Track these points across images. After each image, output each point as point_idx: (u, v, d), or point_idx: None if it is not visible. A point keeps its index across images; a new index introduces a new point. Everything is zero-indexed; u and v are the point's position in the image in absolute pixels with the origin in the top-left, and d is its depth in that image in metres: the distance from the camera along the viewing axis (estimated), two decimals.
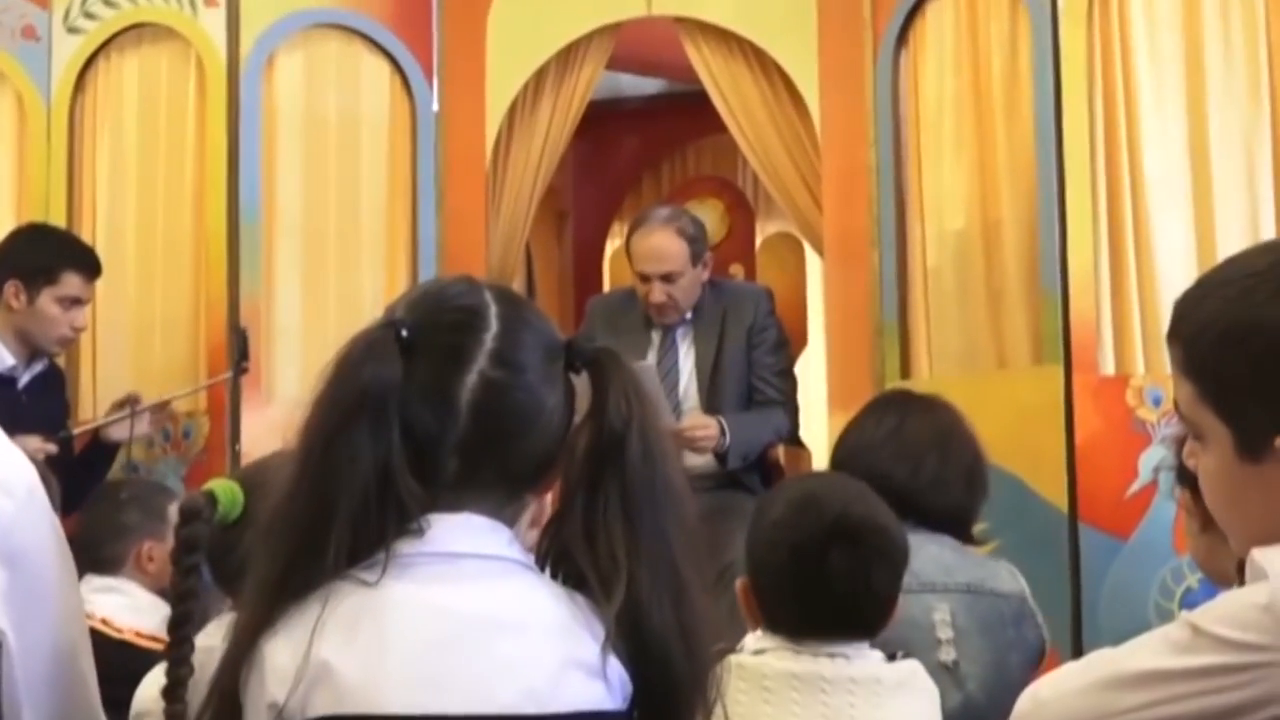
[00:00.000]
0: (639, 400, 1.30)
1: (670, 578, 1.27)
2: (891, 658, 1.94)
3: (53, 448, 3.67)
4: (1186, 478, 2.14)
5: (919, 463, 2.39)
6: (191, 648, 1.51)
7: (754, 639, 1.97)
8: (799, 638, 1.91)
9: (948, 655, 2.26)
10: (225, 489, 1.58)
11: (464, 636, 1.23)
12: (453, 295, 1.34)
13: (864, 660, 1.91)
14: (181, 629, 1.51)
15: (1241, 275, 1.26)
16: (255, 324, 4.15)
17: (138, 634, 2.82)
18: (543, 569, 1.31)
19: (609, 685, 1.25)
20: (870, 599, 1.92)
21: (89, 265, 3.86)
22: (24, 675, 1.35)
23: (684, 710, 1.28)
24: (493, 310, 1.32)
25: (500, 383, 1.29)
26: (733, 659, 1.90)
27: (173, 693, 1.52)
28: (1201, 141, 3.72)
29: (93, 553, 2.99)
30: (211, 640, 1.53)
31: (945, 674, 2.22)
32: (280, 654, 1.23)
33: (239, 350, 3.96)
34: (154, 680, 1.63)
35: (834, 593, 1.90)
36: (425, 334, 1.30)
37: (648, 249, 3.97)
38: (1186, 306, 1.29)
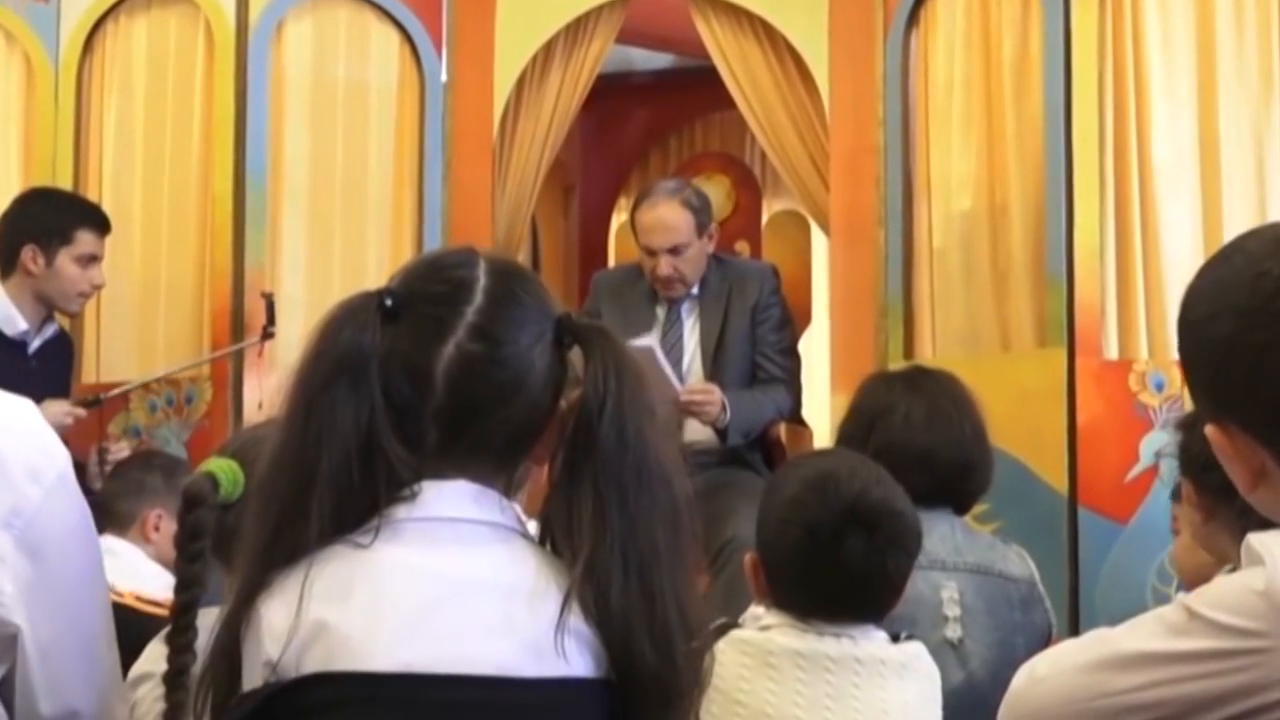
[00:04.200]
0: (618, 379, 1.31)
1: (639, 560, 1.27)
2: (895, 638, 1.92)
3: (81, 412, 3.68)
4: (1188, 467, 2.14)
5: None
6: (195, 634, 1.50)
7: (759, 612, 1.95)
8: (806, 617, 1.88)
9: (953, 633, 2.26)
10: (225, 469, 1.56)
11: (451, 598, 1.26)
12: (444, 266, 1.37)
13: (869, 641, 1.88)
14: (185, 615, 1.51)
15: (1211, 261, 1.24)
16: (259, 291, 4.15)
17: (138, 598, 2.82)
18: (542, 537, 1.34)
19: (577, 652, 1.25)
20: (883, 584, 1.90)
21: (100, 222, 3.87)
22: (41, 665, 1.35)
23: (653, 695, 1.28)
24: (480, 284, 1.33)
25: (476, 355, 1.30)
26: (737, 634, 1.89)
27: (175, 680, 1.50)
28: (1211, 128, 3.72)
29: (109, 504, 3.01)
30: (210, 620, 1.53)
31: (950, 651, 2.22)
32: (276, 614, 1.25)
33: (267, 315, 3.98)
34: (157, 645, 1.63)
35: (846, 576, 1.87)
36: (411, 303, 1.32)
37: (653, 221, 3.96)
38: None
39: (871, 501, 1.89)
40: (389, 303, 1.31)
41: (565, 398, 1.35)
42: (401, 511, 1.29)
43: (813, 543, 1.87)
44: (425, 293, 1.33)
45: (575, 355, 1.36)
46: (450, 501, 1.31)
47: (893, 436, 2.37)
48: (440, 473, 1.31)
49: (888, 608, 1.92)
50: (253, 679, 1.26)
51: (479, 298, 1.33)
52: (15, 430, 1.38)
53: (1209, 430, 1.20)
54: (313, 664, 1.23)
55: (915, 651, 1.92)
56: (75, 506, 1.40)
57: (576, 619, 1.26)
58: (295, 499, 1.28)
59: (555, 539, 1.32)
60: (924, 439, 2.37)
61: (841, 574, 1.86)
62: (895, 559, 1.90)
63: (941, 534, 2.30)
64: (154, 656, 1.62)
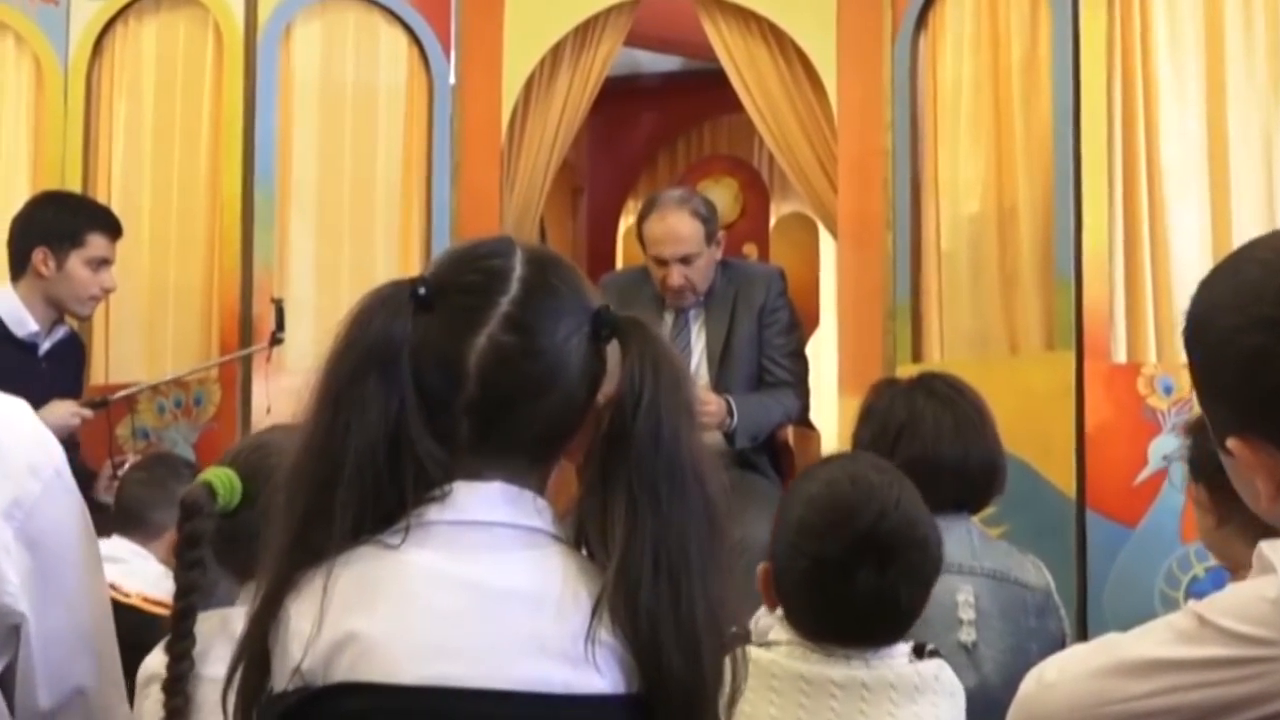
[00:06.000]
0: (655, 375, 1.27)
1: (670, 564, 1.24)
2: (919, 652, 1.84)
3: (88, 413, 3.69)
4: (1201, 472, 2.13)
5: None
6: (194, 641, 1.49)
7: (768, 621, 1.90)
8: (815, 638, 1.81)
9: (967, 636, 2.24)
10: (223, 479, 1.56)
11: (481, 608, 1.22)
12: (480, 256, 1.32)
13: (881, 662, 1.80)
14: (184, 622, 1.50)
15: (1219, 273, 1.23)
16: (267, 294, 4.16)
17: (145, 599, 2.81)
18: (576, 540, 1.30)
19: (607, 665, 1.22)
20: (895, 615, 1.81)
21: (111, 225, 3.89)
22: (42, 656, 1.35)
23: (677, 702, 1.24)
24: (516, 274, 1.30)
25: (510, 347, 1.27)
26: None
27: (174, 686, 1.50)
28: (1219, 130, 3.71)
29: (138, 512, 2.94)
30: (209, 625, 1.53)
31: (963, 654, 2.19)
32: (303, 619, 1.23)
33: (276, 321, 3.98)
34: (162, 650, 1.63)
35: (854, 610, 1.78)
36: (444, 293, 1.29)
37: (664, 232, 3.97)
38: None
39: (887, 530, 1.78)
40: (422, 291, 1.28)
41: (601, 392, 1.31)
42: (432, 512, 1.26)
43: (821, 574, 1.78)
44: (459, 282, 1.30)
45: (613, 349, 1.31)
46: (483, 504, 1.27)
47: (925, 447, 2.34)
48: (472, 469, 1.28)
49: (902, 633, 1.83)
50: (281, 681, 1.23)
51: (514, 288, 1.29)
52: (15, 427, 1.39)
53: (1232, 443, 1.19)
54: (340, 672, 1.21)
55: (934, 671, 1.83)
56: (72, 501, 1.41)
57: (606, 630, 1.22)
58: (322, 494, 1.24)
59: (590, 541, 1.28)
60: (958, 448, 2.36)
61: (850, 607, 1.78)
62: (909, 590, 1.80)
63: (958, 538, 2.27)
64: (162, 659, 1.62)
